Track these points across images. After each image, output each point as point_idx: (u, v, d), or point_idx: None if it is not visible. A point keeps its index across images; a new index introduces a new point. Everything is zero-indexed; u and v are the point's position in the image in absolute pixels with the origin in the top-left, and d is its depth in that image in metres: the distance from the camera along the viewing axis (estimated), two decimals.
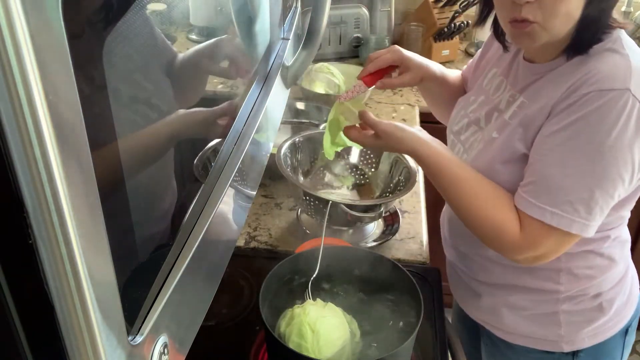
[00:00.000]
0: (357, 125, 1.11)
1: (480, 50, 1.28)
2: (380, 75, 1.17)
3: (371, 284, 1.10)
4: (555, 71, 1.00)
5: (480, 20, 1.13)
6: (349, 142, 1.13)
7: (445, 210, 1.30)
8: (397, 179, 1.36)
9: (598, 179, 0.91)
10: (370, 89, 1.19)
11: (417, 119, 1.92)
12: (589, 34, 0.94)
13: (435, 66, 1.23)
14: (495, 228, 0.98)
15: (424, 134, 1.05)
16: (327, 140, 1.16)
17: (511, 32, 0.98)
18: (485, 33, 2.31)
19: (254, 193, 0.72)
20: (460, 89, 1.31)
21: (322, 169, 1.43)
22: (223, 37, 0.62)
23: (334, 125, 1.14)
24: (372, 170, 1.42)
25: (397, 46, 1.19)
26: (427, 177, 1.05)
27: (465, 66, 1.35)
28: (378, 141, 1.06)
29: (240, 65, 0.74)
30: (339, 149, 1.17)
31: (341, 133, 1.12)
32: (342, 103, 1.13)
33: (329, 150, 1.17)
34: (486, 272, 1.16)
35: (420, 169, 1.59)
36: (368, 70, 1.16)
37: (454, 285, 1.29)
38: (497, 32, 1.12)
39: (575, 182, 0.92)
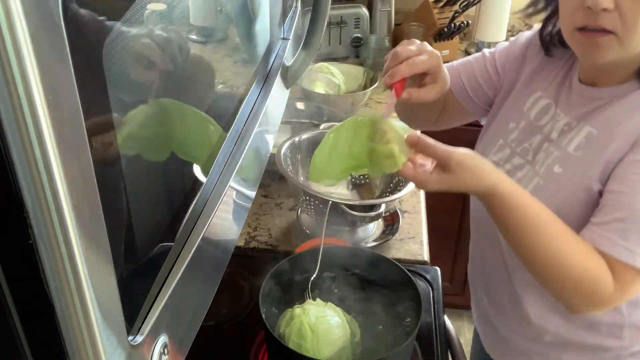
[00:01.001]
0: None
1: (498, 65, 1.08)
2: (403, 82, 0.90)
3: (371, 284, 1.10)
4: (628, 98, 0.87)
5: (529, 13, 1.00)
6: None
7: (475, 262, 1.13)
8: (397, 179, 1.36)
9: None
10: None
11: None
12: None
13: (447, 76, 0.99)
14: (591, 281, 0.82)
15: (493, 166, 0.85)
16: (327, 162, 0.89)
17: (579, 41, 0.84)
18: (486, 32, 2.31)
19: (254, 193, 0.72)
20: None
21: None
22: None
23: (381, 156, 0.84)
24: None
25: (427, 45, 0.92)
26: (499, 221, 0.85)
27: (450, 64, 1.12)
28: (444, 177, 0.81)
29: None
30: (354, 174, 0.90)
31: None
32: (385, 122, 0.84)
33: (334, 174, 0.90)
34: (534, 328, 1.02)
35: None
36: (402, 74, 0.87)
37: (492, 346, 1.15)
38: (542, 34, 0.98)
39: None
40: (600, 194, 0.85)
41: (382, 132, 0.84)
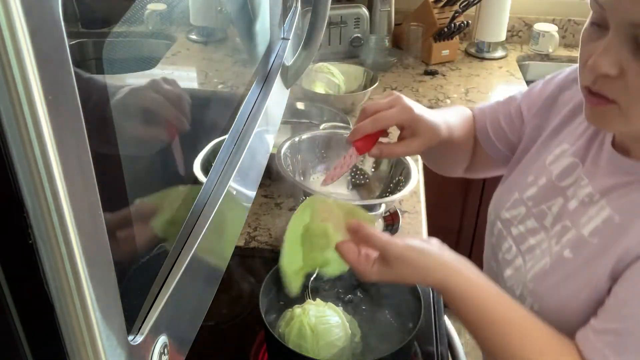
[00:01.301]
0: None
1: (523, 108, 0.95)
2: (374, 138, 0.85)
3: (371, 284, 1.10)
4: None
5: None
6: (333, 267, 0.77)
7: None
8: (397, 179, 1.36)
9: None
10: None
11: None
12: None
13: (442, 123, 0.89)
14: None
15: (450, 256, 0.76)
16: (290, 259, 0.79)
17: (585, 102, 0.72)
18: (486, 33, 2.31)
19: (254, 193, 0.72)
20: (468, 140, 1.00)
21: (322, 167, 1.43)
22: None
23: (313, 235, 0.77)
24: (372, 170, 1.42)
25: (403, 98, 0.85)
26: (458, 317, 0.76)
27: (480, 107, 1.02)
28: (385, 270, 0.74)
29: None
30: (311, 271, 0.77)
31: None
32: (323, 200, 0.79)
33: (292, 279, 0.79)
34: None
35: (422, 177, 1.57)
36: (365, 130, 0.82)
37: None
38: None
39: None
40: (609, 291, 0.73)
41: (319, 210, 0.79)
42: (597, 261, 0.74)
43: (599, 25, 0.68)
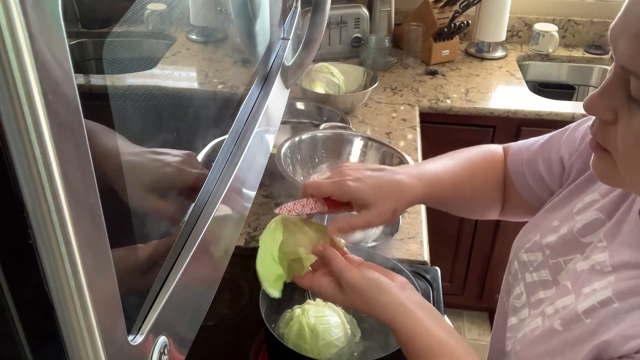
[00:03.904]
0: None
1: (563, 152, 0.84)
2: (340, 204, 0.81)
3: None
4: None
5: None
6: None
7: None
8: None
9: None
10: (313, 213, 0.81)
11: (417, 120, 1.92)
12: None
13: (417, 184, 0.81)
14: None
15: (410, 296, 0.72)
16: (267, 270, 0.78)
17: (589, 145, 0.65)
18: (486, 33, 2.32)
19: (254, 193, 0.72)
20: (487, 188, 0.92)
21: (323, 167, 1.43)
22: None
23: (287, 258, 0.77)
24: None
25: (346, 171, 0.79)
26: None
27: (519, 147, 0.91)
28: (337, 294, 0.73)
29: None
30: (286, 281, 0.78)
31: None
32: (295, 220, 0.78)
33: (271, 285, 0.78)
34: None
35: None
36: (306, 192, 0.79)
37: None
38: None
39: None
40: None
41: (292, 232, 0.78)
42: (583, 345, 0.64)
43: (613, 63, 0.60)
